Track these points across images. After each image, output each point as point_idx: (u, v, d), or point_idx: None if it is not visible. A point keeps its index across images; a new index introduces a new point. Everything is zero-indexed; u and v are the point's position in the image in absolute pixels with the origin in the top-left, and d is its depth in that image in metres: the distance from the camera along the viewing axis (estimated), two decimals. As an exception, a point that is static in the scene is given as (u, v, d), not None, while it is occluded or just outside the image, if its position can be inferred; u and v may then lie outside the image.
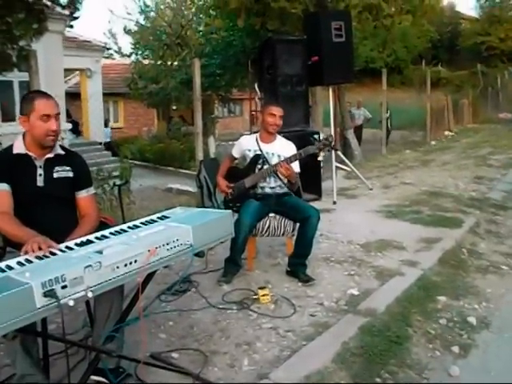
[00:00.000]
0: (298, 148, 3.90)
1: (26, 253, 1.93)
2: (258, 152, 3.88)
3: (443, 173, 8.62)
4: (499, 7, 29.67)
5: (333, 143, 3.99)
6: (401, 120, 15.82)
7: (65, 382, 2.09)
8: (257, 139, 3.94)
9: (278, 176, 3.84)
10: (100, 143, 14.87)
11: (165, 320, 3.10)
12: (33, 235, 2.07)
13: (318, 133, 6.77)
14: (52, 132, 2.36)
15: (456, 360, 2.69)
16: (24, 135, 2.43)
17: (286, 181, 3.81)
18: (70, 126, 12.32)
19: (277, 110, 3.85)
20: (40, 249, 1.94)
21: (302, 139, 4.48)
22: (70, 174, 2.50)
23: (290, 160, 3.73)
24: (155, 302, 3.34)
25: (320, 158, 6.79)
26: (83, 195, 2.56)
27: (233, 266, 3.78)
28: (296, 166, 3.81)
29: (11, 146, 2.43)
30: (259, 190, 3.89)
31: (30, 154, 2.41)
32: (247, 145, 3.97)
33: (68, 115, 13.66)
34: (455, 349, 2.79)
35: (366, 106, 14.51)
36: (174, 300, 3.39)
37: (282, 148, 3.91)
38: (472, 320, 3.12)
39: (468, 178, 8.00)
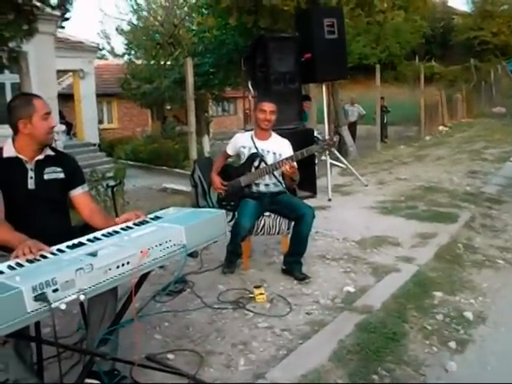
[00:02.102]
0: (293, 145, 3.88)
1: (17, 257, 1.91)
2: (253, 149, 3.86)
3: (438, 168, 8.63)
4: (491, 2, 29.78)
5: (337, 143, 3.98)
6: (395, 116, 15.85)
7: (59, 385, 2.06)
8: (252, 136, 3.92)
9: (274, 175, 3.82)
10: (94, 144, 14.80)
11: (160, 321, 3.08)
12: (24, 239, 2.04)
13: (312, 130, 6.77)
14: (51, 129, 2.44)
15: (453, 355, 2.68)
16: (13, 139, 2.40)
17: (288, 178, 3.75)
18: (63, 127, 12.24)
19: (268, 106, 3.81)
20: (31, 252, 1.91)
21: (295, 136, 4.47)
22: (61, 175, 2.48)
23: (295, 157, 3.68)
24: (150, 302, 3.31)
25: (323, 158, 6.79)
26: (79, 192, 2.54)
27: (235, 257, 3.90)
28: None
29: (0, 150, 2.41)
30: (254, 189, 3.87)
31: (20, 156, 2.39)
32: (242, 142, 3.94)
33: (61, 117, 13.57)
34: (452, 344, 2.77)
35: (360, 103, 14.53)
36: (169, 301, 3.36)
37: (277, 145, 3.89)
38: (468, 315, 3.11)
39: (462, 172, 8.02)
